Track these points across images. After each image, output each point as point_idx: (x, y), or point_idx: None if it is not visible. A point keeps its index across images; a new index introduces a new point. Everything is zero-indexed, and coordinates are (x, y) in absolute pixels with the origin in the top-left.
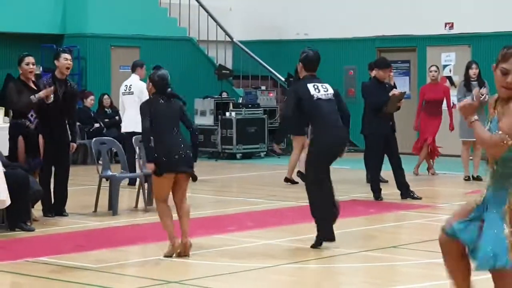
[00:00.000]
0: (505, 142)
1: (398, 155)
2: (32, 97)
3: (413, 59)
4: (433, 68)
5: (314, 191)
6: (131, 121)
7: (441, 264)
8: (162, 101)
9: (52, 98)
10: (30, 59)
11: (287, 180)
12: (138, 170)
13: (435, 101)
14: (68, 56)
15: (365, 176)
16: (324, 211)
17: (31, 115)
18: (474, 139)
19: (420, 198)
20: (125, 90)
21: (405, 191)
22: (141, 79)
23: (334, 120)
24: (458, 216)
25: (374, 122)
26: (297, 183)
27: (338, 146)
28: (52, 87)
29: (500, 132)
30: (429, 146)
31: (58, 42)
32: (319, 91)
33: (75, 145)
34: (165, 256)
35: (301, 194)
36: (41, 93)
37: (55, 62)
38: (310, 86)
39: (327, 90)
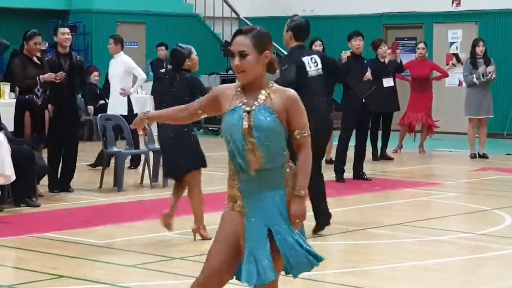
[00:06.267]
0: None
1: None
2: (37, 78)
3: (420, 36)
4: (421, 45)
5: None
6: None
7: (447, 241)
8: None
9: (60, 79)
10: (39, 39)
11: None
12: (143, 147)
13: (421, 78)
14: (65, 30)
15: (371, 153)
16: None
17: (38, 90)
18: (481, 117)
19: (370, 179)
20: None
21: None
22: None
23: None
24: None
25: (346, 98)
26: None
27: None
28: (61, 73)
29: (298, 132)
30: (423, 123)
31: (64, 17)
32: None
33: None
34: None
35: None
36: (47, 76)
37: (55, 38)
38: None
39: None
